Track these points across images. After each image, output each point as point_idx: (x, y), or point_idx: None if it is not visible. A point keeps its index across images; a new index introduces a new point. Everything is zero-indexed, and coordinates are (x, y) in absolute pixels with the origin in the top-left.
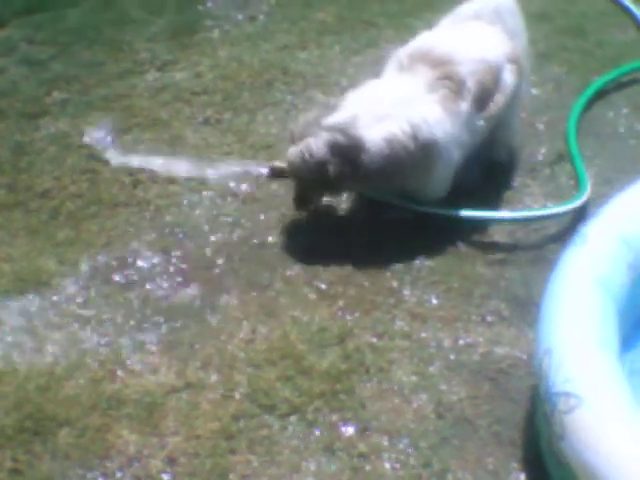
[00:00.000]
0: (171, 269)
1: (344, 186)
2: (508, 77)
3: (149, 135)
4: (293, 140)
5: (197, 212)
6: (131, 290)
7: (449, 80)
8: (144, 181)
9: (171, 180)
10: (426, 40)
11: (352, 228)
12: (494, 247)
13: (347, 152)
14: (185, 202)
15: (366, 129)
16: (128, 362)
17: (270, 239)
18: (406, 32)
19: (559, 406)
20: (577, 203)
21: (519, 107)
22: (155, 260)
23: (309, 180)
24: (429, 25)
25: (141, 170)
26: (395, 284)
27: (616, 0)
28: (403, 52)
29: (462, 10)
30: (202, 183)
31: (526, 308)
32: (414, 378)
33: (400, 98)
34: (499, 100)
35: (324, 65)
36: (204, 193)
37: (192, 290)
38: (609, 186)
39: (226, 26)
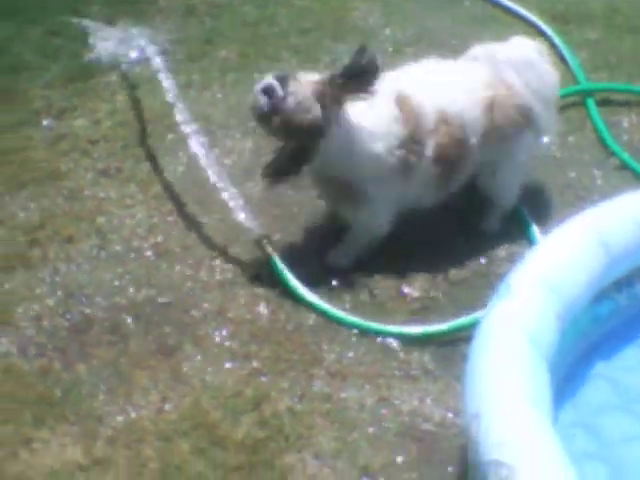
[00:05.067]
0: (72, 337)
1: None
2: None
3: (46, 190)
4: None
5: (99, 271)
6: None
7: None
8: (42, 240)
9: (70, 238)
10: (399, 80)
11: (262, 279)
12: (412, 297)
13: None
14: (86, 262)
15: None
16: (30, 440)
17: (178, 296)
18: (312, 66)
19: (490, 477)
20: None
21: (517, 156)
22: (57, 325)
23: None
24: (336, 60)
25: (39, 228)
26: (312, 340)
27: None
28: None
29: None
30: (103, 239)
31: (451, 359)
32: (336, 444)
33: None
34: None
35: (228, 106)
36: (107, 249)
37: (97, 357)
38: None
39: (123, 68)
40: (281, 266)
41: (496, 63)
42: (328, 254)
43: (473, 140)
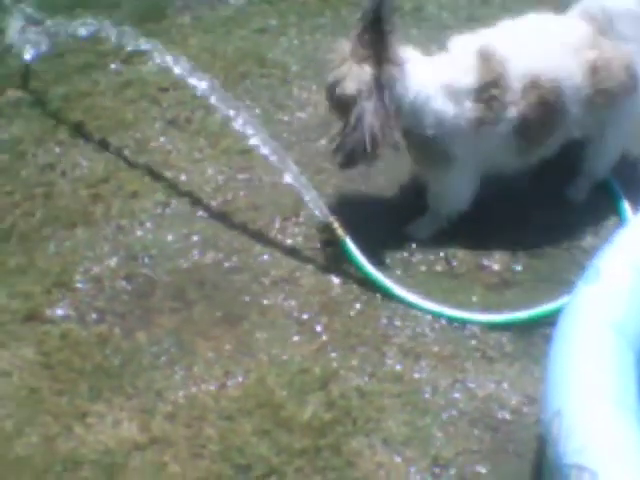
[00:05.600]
0: (133, 302)
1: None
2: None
3: (112, 139)
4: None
5: (164, 231)
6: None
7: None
8: (105, 195)
9: (134, 194)
10: (488, 36)
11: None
12: (491, 271)
13: None
14: (150, 220)
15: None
16: (85, 414)
17: (246, 261)
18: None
19: None
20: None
21: (624, 123)
22: (118, 289)
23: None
24: (419, 7)
25: (102, 181)
26: (385, 315)
27: None
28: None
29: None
30: (169, 196)
31: (530, 341)
32: (406, 429)
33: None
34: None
35: (306, 54)
36: (172, 207)
37: (158, 326)
38: None
39: (198, 9)
40: (354, 250)
41: (604, 17)
42: (408, 225)
43: (570, 107)
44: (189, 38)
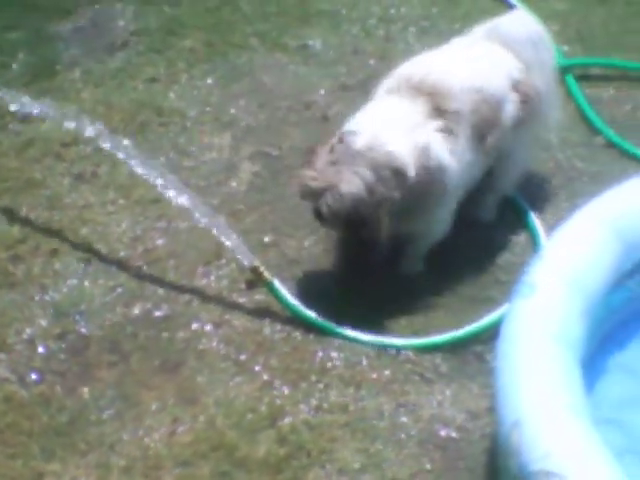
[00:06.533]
0: (70, 359)
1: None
2: (510, 108)
3: (23, 199)
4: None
5: (89, 286)
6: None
7: (444, 112)
8: (24, 256)
9: (54, 252)
10: (421, 65)
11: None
12: (419, 295)
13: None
14: (73, 276)
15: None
16: (42, 475)
17: (175, 309)
18: (282, 54)
19: None
20: None
21: (529, 140)
22: (52, 347)
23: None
24: (306, 44)
25: (20, 242)
26: (320, 348)
27: None
28: (397, 76)
29: (476, 30)
30: (89, 251)
31: (463, 359)
32: (360, 457)
33: (404, 124)
34: (497, 133)
35: (200, 99)
36: (94, 262)
37: (99, 380)
38: None
39: (86, 63)
40: (283, 291)
41: (507, 42)
42: (400, 264)
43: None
44: (82, 92)
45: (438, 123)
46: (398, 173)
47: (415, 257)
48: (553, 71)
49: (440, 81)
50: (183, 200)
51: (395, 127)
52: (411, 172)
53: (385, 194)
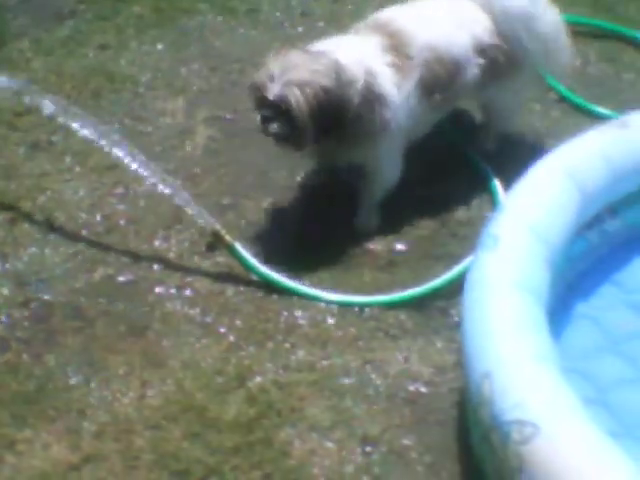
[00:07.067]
0: (34, 327)
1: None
2: (471, 72)
3: None
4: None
5: (50, 254)
6: None
7: (399, 54)
8: None
9: (12, 221)
10: (391, 12)
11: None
12: (380, 253)
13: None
14: (34, 244)
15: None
16: (14, 442)
17: (137, 273)
18: (231, 17)
19: (513, 436)
20: None
21: (515, 89)
22: (16, 316)
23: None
24: (254, 8)
25: None
26: (284, 308)
27: None
28: (366, 20)
29: None
30: (48, 219)
31: (427, 314)
32: (330, 414)
33: (358, 50)
34: (449, 93)
35: (152, 65)
36: (54, 229)
37: (65, 347)
38: None
39: (35, 33)
40: (245, 253)
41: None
42: (356, 221)
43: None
44: (32, 62)
45: (391, 58)
46: (348, 82)
47: (370, 205)
48: (552, 22)
49: (403, 29)
50: (139, 165)
51: (349, 51)
52: (358, 86)
53: (338, 93)
